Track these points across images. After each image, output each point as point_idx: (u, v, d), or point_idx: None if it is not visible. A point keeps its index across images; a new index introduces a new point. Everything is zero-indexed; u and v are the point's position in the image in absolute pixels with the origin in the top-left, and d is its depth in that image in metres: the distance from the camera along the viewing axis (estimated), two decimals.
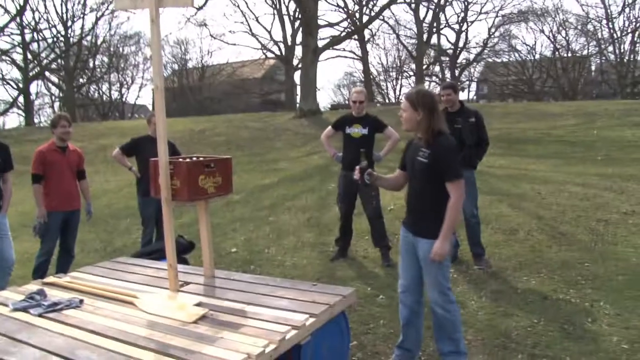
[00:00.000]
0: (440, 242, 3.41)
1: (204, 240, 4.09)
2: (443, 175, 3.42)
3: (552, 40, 39.15)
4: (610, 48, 36.95)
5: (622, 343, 3.94)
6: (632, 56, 36.23)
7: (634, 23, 35.42)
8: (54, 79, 39.19)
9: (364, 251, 6.57)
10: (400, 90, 47.49)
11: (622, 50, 36.39)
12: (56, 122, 5.71)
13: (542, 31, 40.10)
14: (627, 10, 35.37)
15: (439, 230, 3.42)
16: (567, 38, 38.77)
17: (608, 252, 5.84)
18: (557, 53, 39.15)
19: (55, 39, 34.97)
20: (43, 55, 35.23)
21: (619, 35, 36.16)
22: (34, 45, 34.69)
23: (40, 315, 3.27)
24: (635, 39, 35.85)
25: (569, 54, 38.73)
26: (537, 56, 40.78)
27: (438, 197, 3.45)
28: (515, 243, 6.39)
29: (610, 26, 36.38)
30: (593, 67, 40.90)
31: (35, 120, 36.99)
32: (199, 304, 3.41)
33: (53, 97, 42.23)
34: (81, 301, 3.50)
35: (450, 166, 3.42)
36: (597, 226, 6.69)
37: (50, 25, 35.30)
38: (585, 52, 38.55)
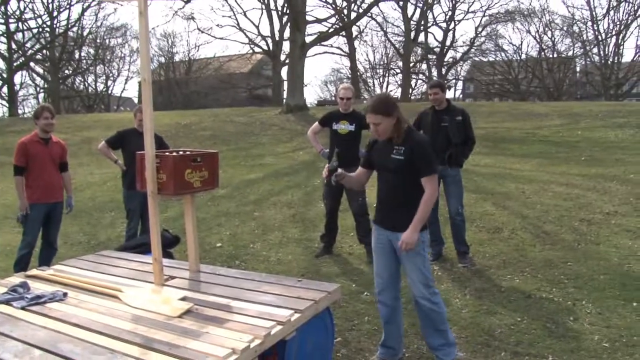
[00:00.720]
0: (409, 231, 3.47)
1: (190, 234, 4.07)
2: (419, 170, 3.49)
3: (538, 40, 39.48)
4: (595, 50, 37.35)
5: (603, 342, 3.98)
6: (616, 58, 36.63)
7: (618, 26, 35.81)
8: (39, 69, 38.80)
9: (349, 247, 6.59)
10: (387, 88, 47.61)
11: (606, 52, 36.76)
12: (39, 113, 5.65)
13: (529, 31, 40.55)
14: (611, 12, 35.69)
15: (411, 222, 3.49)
16: (552, 39, 39.14)
17: (591, 252, 5.90)
18: (542, 53, 39.47)
19: (40, 29, 34.59)
20: (28, 45, 34.83)
21: (603, 37, 36.53)
22: (19, 35, 34.31)
23: (23, 308, 3.24)
24: (619, 41, 36.27)
25: (555, 55, 39.07)
26: (523, 56, 41.12)
27: (412, 191, 3.53)
28: (500, 242, 6.44)
29: (595, 28, 36.74)
30: (578, 68, 41.28)
31: (19, 111, 36.58)
32: (183, 299, 3.40)
33: (37, 88, 41.84)
34: (65, 294, 3.47)
35: (428, 161, 3.50)
36: (580, 226, 6.75)
37: (36, 15, 34.98)
38: (570, 53, 38.96)
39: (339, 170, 3.72)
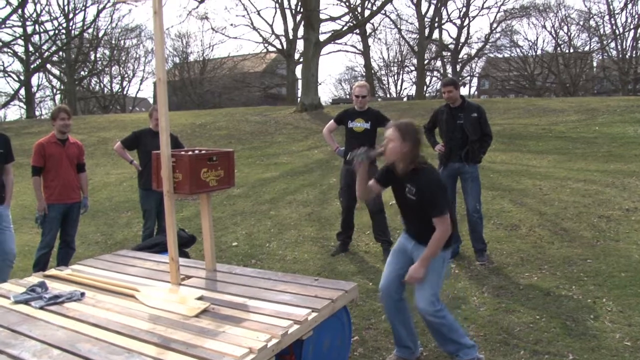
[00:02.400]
0: (417, 266, 3.47)
1: (206, 233, 4.08)
2: (428, 210, 3.45)
3: (554, 36, 39.13)
4: (613, 44, 36.90)
5: (624, 340, 3.93)
6: (634, 52, 36.13)
7: (636, 19, 35.32)
8: (55, 71, 39.16)
9: (366, 246, 6.56)
10: (401, 85, 47.61)
11: (624, 47, 36.29)
12: (56, 114, 5.70)
13: (544, 27, 40.13)
14: (629, 6, 35.14)
15: None
16: (569, 34, 38.75)
17: (610, 249, 5.83)
18: (558, 49, 39.08)
19: (56, 31, 34.83)
20: (44, 47, 35.08)
21: (621, 31, 36.04)
22: (36, 38, 34.57)
23: (41, 308, 3.26)
24: (638, 35, 35.76)
25: (571, 50, 38.67)
26: (539, 52, 40.74)
27: (431, 220, 3.48)
28: (517, 239, 6.38)
29: (613, 22, 36.26)
30: (595, 63, 40.82)
31: (37, 113, 36.99)
32: (200, 298, 3.40)
33: (54, 90, 42.26)
34: (82, 294, 3.49)
35: (435, 202, 3.44)
36: (599, 222, 6.67)
37: (52, 18, 35.17)
38: (587, 48, 38.52)
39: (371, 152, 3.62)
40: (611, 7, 36.22)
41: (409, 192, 3.50)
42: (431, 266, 3.50)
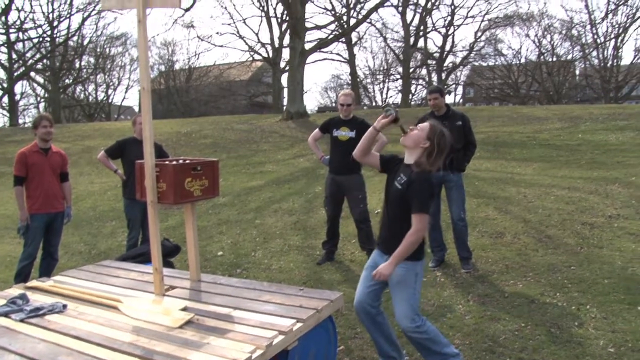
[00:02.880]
0: (388, 263, 3.38)
1: (190, 243, 4.05)
2: (411, 204, 3.39)
3: (538, 44, 39.54)
4: (594, 53, 37.41)
5: (608, 347, 3.95)
6: (615, 61, 36.66)
7: (616, 29, 35.85)
8: (39, 79, 38.93)
9: (351, 255, 6.56)
10: (387, 93, 47.77)
11: (605, 55, 36.83)
12: (37, 122, 5.64)
13: (528, 35, 40.70)
14: (610, 16, 35.72)
15: (411, 256, 3.40)
16: (552, 42, 39.19)
17: (594, 256, 5.87)
18: (542, 57, 39.50)
19: (40, 39, 34.62)
20: (28, 55, 34.88)
21: (602, 40, 36.59)
22: (19, 45, 34.37)
23: (22, 321, 3.21)
24: (618, 44, 36.32)
25: (554, 59, 39.11)
26: (523, 60, 41.16)
27: (410, 225, 3.41)
28: (502, 246, 6.40)
29: (594, 31, 36.83)
30: (577, 72, 41.33)
31: (20, 121, 36.68)
32: (184, 309, 3.37)
33: (38, 98, 42.02)
34: (65, 306, 3.44)
35: (420, 198, 3.38)
36: (583, 230, 6.72)
37: (36, 25, 34.94)
38: (569, 57, 39.03)
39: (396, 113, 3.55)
40: (592, 16, 36.79)
41: (399, 181, 3.47)
42: (404, 282, 3.46)
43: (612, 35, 36.05)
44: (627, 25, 35.48)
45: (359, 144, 3.71)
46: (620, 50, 36.69)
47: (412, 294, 3.50)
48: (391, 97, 46.94)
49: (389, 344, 3.73)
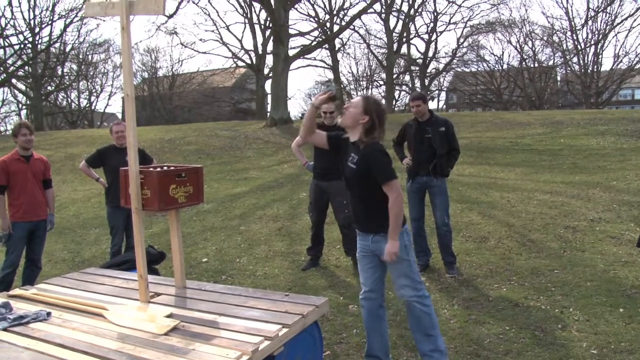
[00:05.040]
0: (389, 243, 3.44)
1: (175, 250, 4.04)
2: (377, 179, 3.42)
3: (519, 50, 39.91)
4: (575, 59, 37.87)
5: (591, 348, 3.99)
6: (595, 67, 37.16)
7: (596, 35, 36.36)
8: (21, 86, 38.45)
9: (336, 260, 6.57)
10: None
11: (585, 62, 37.31)
12: (17, 130, 5.59)
13: (510, 42, 40.88)
14: (589, 22, 36.25)
15: (387, 225, 3.45)
16: (533, 49, 39.59)
17: (576, 259, 5.93)
18: (524, 63, 39.90)
19: (22, 46, 34.26)
20: (9, 61, 34.49)
21: (582, 46, 37.06)
22: (0, 52, 34.03)
23: (5, 329, 3.18)
24: (598, 50, 36.82)
25: (536, 64, 39.53)
26: (505, 66, 41.59)
27: (378, 197, 3.48)
28: (486, 251, 6.45)
29: (575, 38, 37.31)
30: (559, 77, 41.81)
31: (1, 129, 36.33)
32: (170, 316, 3.36)
33: (20, 105, 41.50)
34: (49, 314, 3.42)
35: (381, 169, 3.42)
36: (566, 233, 6.79)
37: (17, 32, 34.58)
38: (551, 63, 39.49)
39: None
40: (572, 23, 37.26)
41: (351, 160, 3.49)
42: (398, 258, 3.49)
43: (592, 42, 36.61)
44: (607, 31, 36.08)
45: (302, 124, 3.75)
46: (600, 56, 37.26)
47: (408, 266, 3.57)
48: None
49: (380, 342, 3.76)
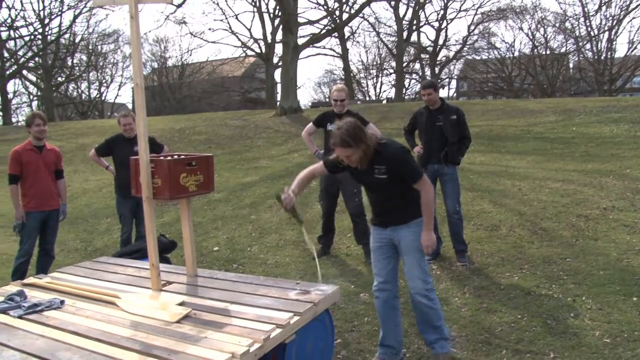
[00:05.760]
0: (425, 233, 3.54)
1: (186, 238, 4.05)
2: (407, 180, 3.49)
3: (531, 37, 39.54)
4: (588, 46, 37.46)
5: (604, 337, 3.97)
6: (609, 54, 36.70)
7: (610, 21, 35.91)
8: (32, 77, 38.72)
9: (347, 249, 6.57)
10: (380, 88, 47.77)
11: (599, 48, 36.87)
12: (30, 121, 5.62)
13: (521, 29, 40.60)
14: (603, 8, 35.73)
15: (412, 216, 3.58)
16: (545, 36, 39.21)
17: (589, 248, 5.89)
18: (535, 50, 39.51)
19: (32, 37, 34.45)
20: (20, 53, 34.70)
21: (596, 33, 36.62)
22: (11, 43, 34.20)
23: (20, 317, 3.21)
24: (612, 36, 36.37)
25: (548, 52, 39.13)
26: (516, 54, 41.23)
27: (404, 193, 3.57)
28: (498, 239, 6.42)
29: (588, 24, 36.84)
30: (571, 65, 41.37)
31: (13, 120, 36.50)
32: (182, 304, 3.37)
33: (31, 96, 41.80)
34: (62, 302, 3.44)
35: (410, 171, 3.49)
36: (578, 222, 6.75)
37: (27, 23, 34.83)
38: (563, 50, 39.04)
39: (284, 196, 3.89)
40: (586, 9, 36.82)
41: (379, 172, 3.50)
42: (414, 246, 3.57)
43: (606, 28, 36.14)
44: (621, 17, 35.55)
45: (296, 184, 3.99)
46: (614, 43, 36.75)
47: (421, 257, 3.63)
48: (385, 91, 47.05)
49: (394, 332, 3.79)
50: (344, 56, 37.77)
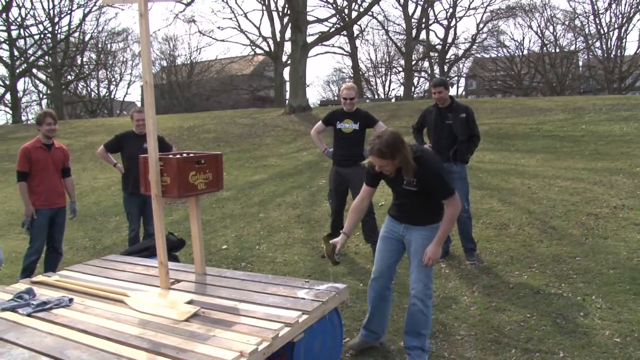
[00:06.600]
0: (434, 246, 3.55)
1: (195, 237, 4.05)
2: (437, 196, 3.52)
3: (540, 35, 39.39)
4: (598, 44, 37.26)
5: (614, 336, 3.95)
6: (618, 52, 36.49)
7: (620, 19, 35.68)
8: (42, 75, 38.91)
9: (356, 247, 6.56)
10: (389, 86, 47.65)
11: (609, 46, 36.68)
12: (42, 119, 5.64)
13: (530, 27, 40.40)
14: (613, 6, 35.56)
15: (431, 220, 3.61)
16: (554, 34, 39.06)
17: (599, 246, 5.86)
18: (545, 48, 39.37)
19: (42, 36, 34.62)
20: (30, 51, 34.87)
21: (605, 31, 36.42)
22: (21, 42, 34.36)
23: (29, 315, 3.22)
24: (622, 34, 36.14)
25: (557, 50, 38.98)
26: (525, 52, 41.08)
27: (430, 202, 3.60)
28: (507, 238, 6.40)
29: (597, 22, 36.64)
30: (580, 63, 41.16)
31: (23, 118, 36.72)
32: (190, 302, 3.38)
33: (40, 94, 42.03)
34: (71, 300, 3.46)
35: (442, 187, 3.50)
36: (588, 220, 6.71)
37: (37, 22, 35.06)
38: (572, 48, 38.88)
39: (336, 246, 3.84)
40: (596, 7, 36.70)
41: (409, 184, 3.51)
42: (422, 249, 3.58)
43: (616, 26, 35.95)
44: (631, 15, 35.37)
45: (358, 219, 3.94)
46: (624, 41, 36.58)
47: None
48: (393, 89, 46.95)
49: (380, 320, 3.88)
50: (353, 54, 37.71)
